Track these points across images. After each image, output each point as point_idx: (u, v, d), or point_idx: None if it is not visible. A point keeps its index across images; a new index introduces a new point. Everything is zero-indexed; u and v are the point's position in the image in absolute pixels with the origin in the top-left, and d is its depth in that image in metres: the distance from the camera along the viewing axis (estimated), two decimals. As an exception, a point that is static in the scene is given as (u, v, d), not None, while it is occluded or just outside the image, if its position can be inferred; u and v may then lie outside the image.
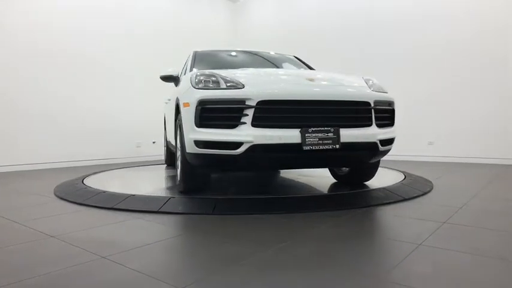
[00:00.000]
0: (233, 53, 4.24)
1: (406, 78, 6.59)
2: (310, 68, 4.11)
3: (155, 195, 3.00)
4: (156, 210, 2.57)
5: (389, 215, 2.44)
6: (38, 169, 5.48)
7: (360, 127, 2.64)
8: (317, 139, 2.46)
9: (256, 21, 8.73)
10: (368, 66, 6.94)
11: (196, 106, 2.51)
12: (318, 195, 3.05)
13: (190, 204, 2.66)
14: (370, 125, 2.68)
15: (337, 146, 2.49)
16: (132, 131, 6.75)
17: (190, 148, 2.61)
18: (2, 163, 5.25)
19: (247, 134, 2.44)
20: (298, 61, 4.27)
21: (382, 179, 3.72)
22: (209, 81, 2.62)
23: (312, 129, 2.47)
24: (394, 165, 5.13)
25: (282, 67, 3.92)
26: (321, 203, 2.70)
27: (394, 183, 3.37)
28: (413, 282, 1.35)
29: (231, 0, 9.01)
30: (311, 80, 2.73)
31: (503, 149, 5.69)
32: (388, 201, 2.79)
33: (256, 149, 2.44)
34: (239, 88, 2.53)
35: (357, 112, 2.67)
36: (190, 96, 2.58)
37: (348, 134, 2.56)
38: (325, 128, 2.49)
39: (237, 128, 2.46)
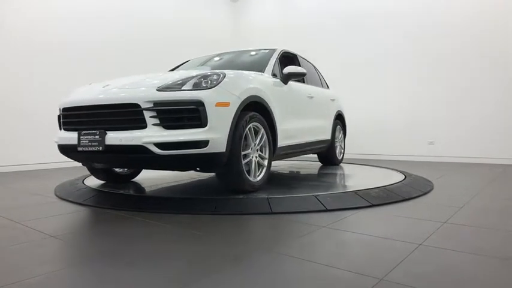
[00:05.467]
0: (215, 57, 4.26)
1: (407, 78, 6.59)
2: (287, 65, 3.85)
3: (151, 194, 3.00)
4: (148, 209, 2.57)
5: (389, 215, 2.44)
6: (38, 169, 5.48)
7: (131, 129, 2.54)
8: (87, 141, 2.68)
9: (257, 20, 8.74)
10: (369, 65, 6.95)
11: None
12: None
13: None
14: (143, 127, 2.51)
15: (101, 148, 2.59)
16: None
17: None
18: (2, 163, 5.25)
19: (57, 136, 3.01)
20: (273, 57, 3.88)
21: (383, 178, 3.72)
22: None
23: (84, 132, 2.72)
24: (394, 165, 5.13)
25: (251, 68, 3.65)
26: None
27: (394, 183, 3.36)
28: (413, 282, 1.35)
29: (231, 0, 9.01)
30: (106, 86, 2.88)
31: (504, 149, 5.69)
32: (388, 201, 2.79)
33: (61, 149, 2.99)
34: (68, 97, 3.03)
35: (124, 114, 2.60)
36: None
37: (113, 137, 2.57)
38: (93, 131, 2.67)
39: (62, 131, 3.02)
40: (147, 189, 3.37)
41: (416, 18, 6.47)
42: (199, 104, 2.50)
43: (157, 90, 2.56)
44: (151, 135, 2.47)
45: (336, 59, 7.23)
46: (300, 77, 3.67)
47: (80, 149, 2.72)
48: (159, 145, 2.45)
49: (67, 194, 3.21)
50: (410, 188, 3.23)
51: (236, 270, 1.50)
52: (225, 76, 2.75)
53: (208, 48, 5.34)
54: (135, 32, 6.89)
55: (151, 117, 2.49)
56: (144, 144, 2.45)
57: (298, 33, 7.82)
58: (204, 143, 2.50)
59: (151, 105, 2.50)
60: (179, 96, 2.53)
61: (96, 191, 3.20)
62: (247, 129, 2.85)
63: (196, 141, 2.48)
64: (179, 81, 2.64)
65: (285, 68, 3.61)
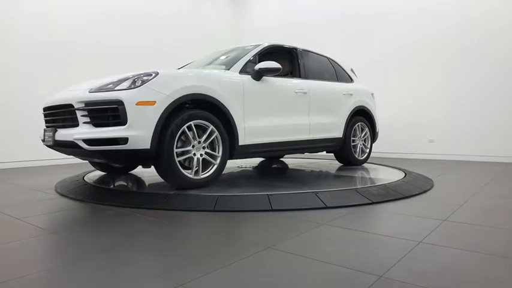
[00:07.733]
0: (211, 55, 4.27)
1: (407, 76, 6.58)
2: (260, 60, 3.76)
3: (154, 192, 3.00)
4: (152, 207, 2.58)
5: (389, 213, 2.44)
6: (38, 165, 5.49)
7: (69, 127, 2.86)
8: (47, 137, 3.05)
9: (258, 18, 8.71)
10: (369, 64, 6.93)
11: None
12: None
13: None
14: (77, 125, 2.79)
15: (52, 143, 2.96)
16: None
17: None
18: (2, 159, 5.25)
19: (41, 132, 3.30)
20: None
21: (383, 176, 3.72)
22: None
23: (46, 129, 3.13)
24: (394, 163, 5.13)
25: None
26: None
27: (394, 180, 3.36)
28: (413, 279, 1.35)
29: (232, -2, 8.99)
30: (70, 88, 3.21)
31: (504, 147, 5.69)
32: (388, 199, 2.79)
33: (43, 142, 3.26)
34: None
35: (65, 114, 2.93)
36: None
37: (59, 133, 2.93)
38: (49, 128, 3.05)
39: None
40: (148, 185, 3.38)
41: (417, 19, 6.44)
42: (119, 104, 2.66)
43: (89, 91, 2.78)
44: (81, 132, 2.72)
45: (338, 54, 7.19)
46: (274, 73, 3.48)
47: (44, 143, 3.15)
48: (87, 141, 2.69)
49: (67, 190, 3.22)
50: (411, 186, 3.23)
51: (235, 267, 1.50)
52: (156, 75, 2.81)
53: (209, 48, 5.31)
54: (135, 31, 6.85)
55: (82, 116, 2.75)
56: (74, 140, 2.71)
57: (299, 32, 7.79)
58: (123, 140, 2.65)
59: (83, 105, 2.74)
60: (103, 97, 2.72)
61: (96, 187, 3.21)
62: (184, 127, 2.85)
63: (115, 138, 2.65)
64: (113, 82, 2.81)
65: (257, 65, 3.48)
